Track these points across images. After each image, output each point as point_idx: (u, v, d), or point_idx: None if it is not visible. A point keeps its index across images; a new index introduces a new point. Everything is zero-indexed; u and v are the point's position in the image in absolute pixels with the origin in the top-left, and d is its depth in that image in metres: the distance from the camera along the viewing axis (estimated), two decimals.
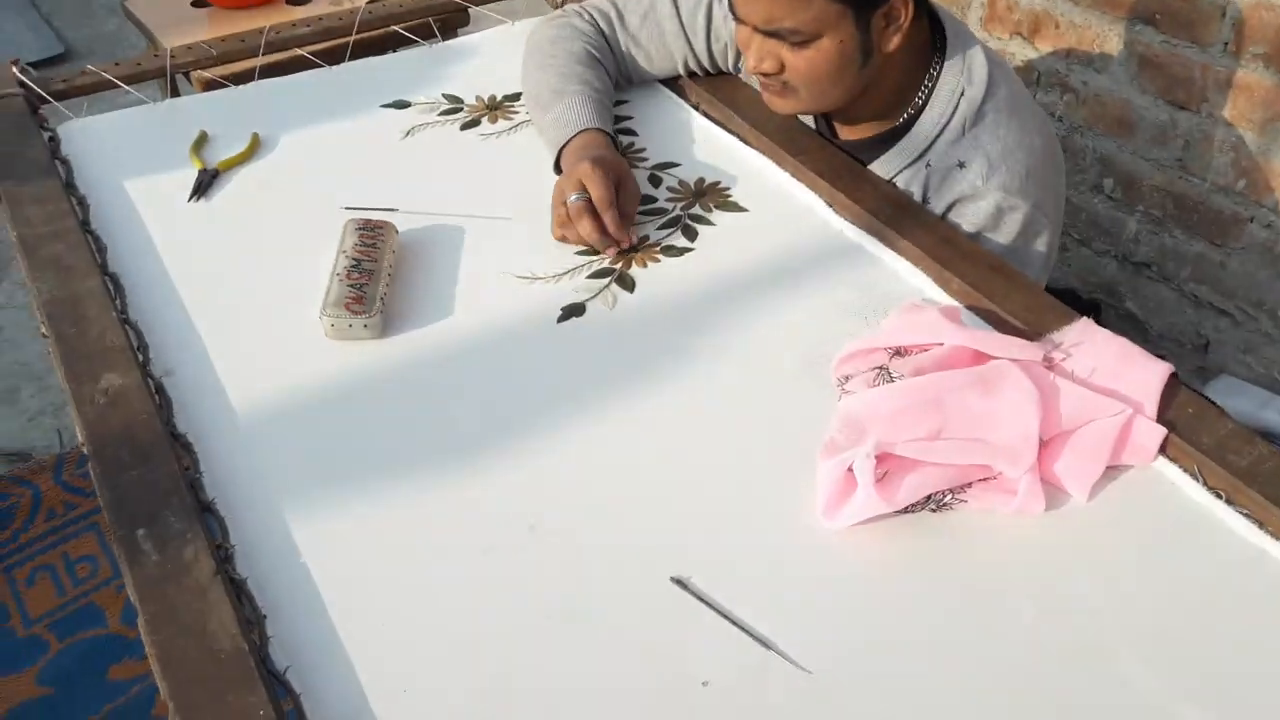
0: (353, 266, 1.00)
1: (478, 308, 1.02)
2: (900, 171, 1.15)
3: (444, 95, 1.34)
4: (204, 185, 1.17)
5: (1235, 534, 0.80)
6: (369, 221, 1.06)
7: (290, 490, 0.83)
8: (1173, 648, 0.72)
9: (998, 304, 0.98)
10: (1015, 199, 1.10)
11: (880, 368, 0.91)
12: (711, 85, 1.31)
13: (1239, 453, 0.84)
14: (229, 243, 1.10)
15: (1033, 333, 0.95)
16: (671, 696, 0.70)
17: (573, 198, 1.06)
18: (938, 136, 1.13)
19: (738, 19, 1.08)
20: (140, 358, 0.93)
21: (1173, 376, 0.89)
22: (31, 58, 3.02)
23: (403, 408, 0.91)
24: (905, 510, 0.82)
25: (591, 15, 1.30)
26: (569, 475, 0.85)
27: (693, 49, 1.29)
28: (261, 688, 0.67)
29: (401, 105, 1.32)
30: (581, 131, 1.15)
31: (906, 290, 1.03)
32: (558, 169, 1.16)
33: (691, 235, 1.11)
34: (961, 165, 1.11)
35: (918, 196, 1.14)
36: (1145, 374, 0.89)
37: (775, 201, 1.15)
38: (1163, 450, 0.86)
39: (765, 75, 1.09)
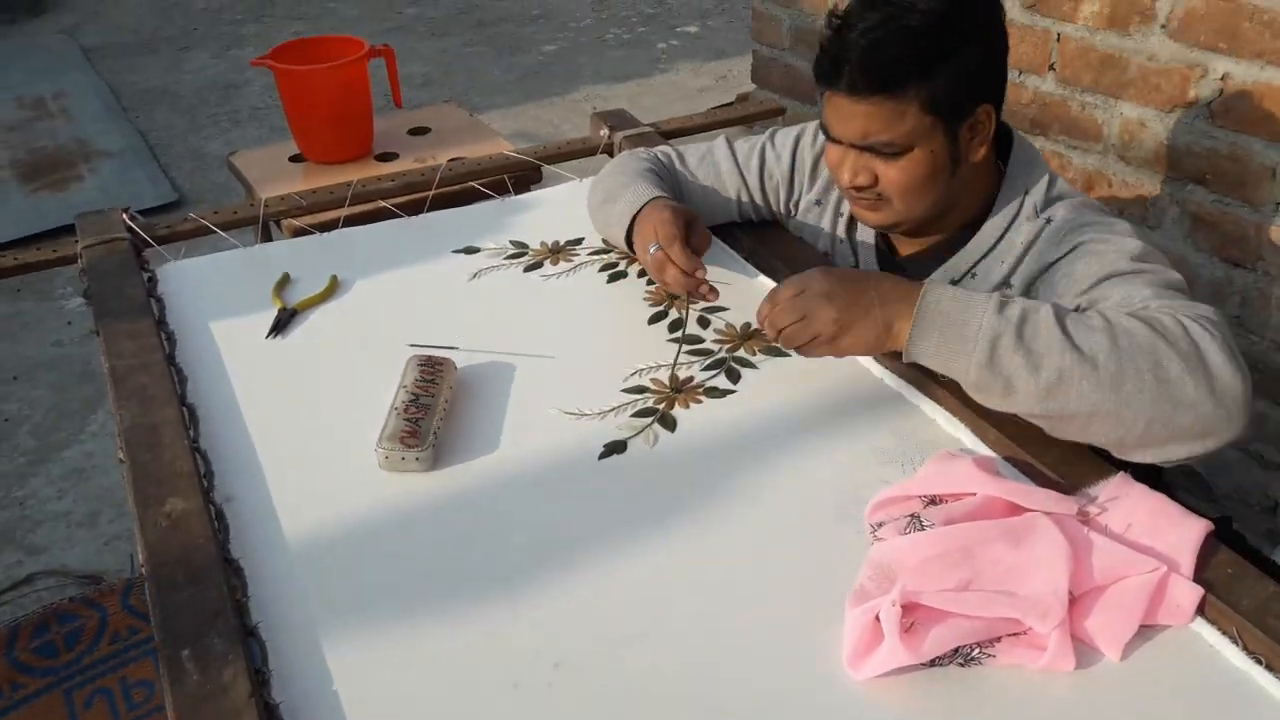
0: (411, 401, 1.06)
1: (525, 442, 1.06)
2: (954, 283, 1.17)
3: (511, 241, 1.43)
4: (282, 323, 1.26)
5: (1275, 701, 0.78)
6: (430, 358, 1.13)
7: (332, 617, 0.87)
8: None
9: (1034, 456, 0.99)
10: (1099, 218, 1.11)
11: (913, 516, 0.92)
12: (761, 235, 1.38)
13: None
14: (300, 377, 1.18)
15: (1069, 486, 0.95)
16: None
17: (651, 249, 1.17)
18: (992, 248, 1.16)
19: (831, 138, 1.13)
20: (205, 484, 0.99)
21: (1212, 534, 0.88)
22: (148, 204, 3.28)
23: (447, 540, 0.95)
24: (932, 663, 0.81)
25: (654, 152, 1.40)
26: (598, 612, 0.87)
27: (747, 185, 1.36)
28: None
29: (471, 251, 1.41)
30: (649, 201, 1.24)
31: (944, 439, 1.04)
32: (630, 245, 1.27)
33: (735, 378, 1.15)
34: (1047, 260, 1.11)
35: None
36: (1182, 531, 0.88)
37: None
38: (1200, 611, 0.84)
39: (858, 190, 1.14)
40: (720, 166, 1.37)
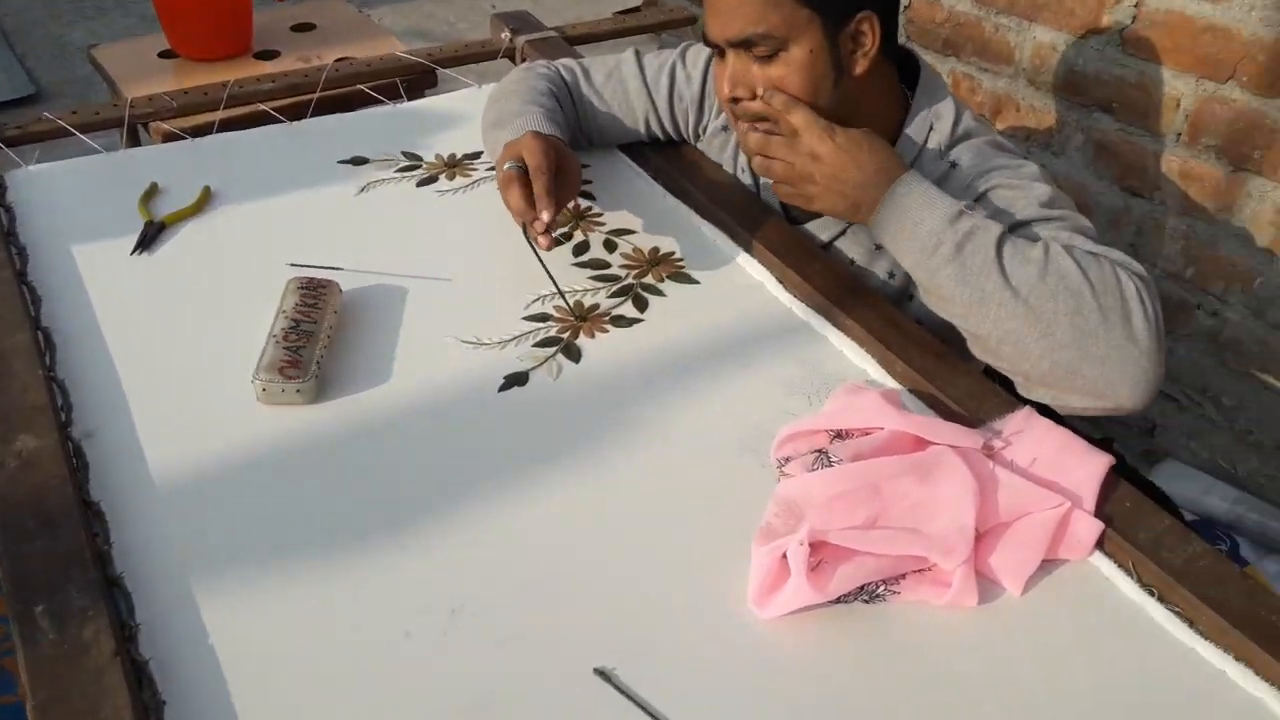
0: (291, 328, 0.99)
1: (418, 373, 1.00)
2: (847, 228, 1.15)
3: (403, 153, 1.34)
4: (149, 238, 1.15)
5: (1165, 632, 0.79)
6: (312, 280, 1.05)
7: (206, 565, 0.80)
8: None
9: (940, 389, 0.97)
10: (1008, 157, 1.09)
11: (820, 451, 0.90)
12: (671, 155, 1.32)
13: (1174, 550, 0.83)
14: (170, 299, 1.08)
15: (974, 419, 0.94)
16: None
17: (507, 165, 1.08)
18: None
19: (710, 43, 1.08)
20: (62, 418, 0.91)
21: (1112, 469, 0.89)
22: (1, 97, 3.02)
23: (331, 479, 0.89)
24: (837, 600, 0.80)
25: (556, 67, 1.31)
26: (496, 556, 0.83)
27: (655, 107, 1.29)
28: None
29: (359, 161, 1.32)
30: (532, 132, 1.14)
31: (851, 371, 1.02)
32: None
33: (642, 305, 1.10)
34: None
35: (878, 242, 1.11)
36: (1085, 466, 0.88)
37: (727, 275, 1.15)
38: (1099, 545, 0.85)
39: (736, 102, 1.08)
40: (628, 85, 1.29)
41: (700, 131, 1.31)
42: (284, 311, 1.01)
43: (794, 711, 0.73)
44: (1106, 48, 1.59)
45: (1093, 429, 1.85)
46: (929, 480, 0.86)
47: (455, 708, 0.72)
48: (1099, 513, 0.86)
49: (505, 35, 1.60)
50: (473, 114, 1.39)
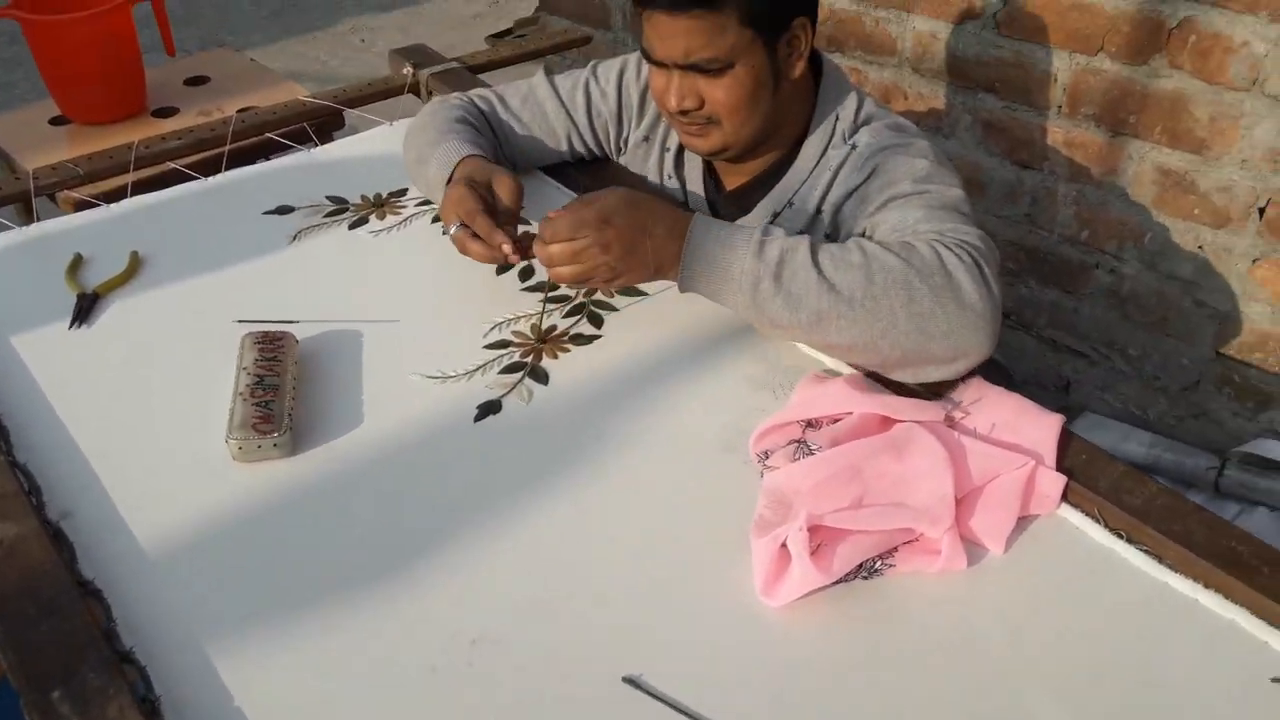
0: (256, 384, 0.97)
1: (390, 413, 1.00)
2: (778, 215, 1.20)
3: (328, 198, 1.33)
4: (84, 311, 1.12)
5: (1137, 570, 0.85)
6: (267, 334, 1.04)
7: (215, 629, 0.79)
8: (1083, 683, 0.76)
9: None
10: (906, 136, 1.15)
11: (798, 441, 0.94)
12: (595, 172, 1.34)
13: (1133, 493, 0.90)
14: (119, 370, 1.05)
15: (931, 394, 1.00)
16: None
17: (451, 230, 1.10)
18: (808, 177, 1.18)
19: (654, 61, 1.12)
20: (34, 501, 0.88)
21: (1065, 426, 0.95)
22: None
23: (323, 526, 0.88)
24: (839, 581, 0.84)
25: (469, 98, 1.32)
26: (504, 581, 0.84)
27: (575, 125, 1.32)
28: None
29: (285, 210, 1.31)
30: (460, 162, 1.16)
31: (809, 361, 1.07)
32: None
33: (598, 322, 1.12)
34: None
35: (800, 227, 1.18)
36: (1041, 426, 0.95)
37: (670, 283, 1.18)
38: (1065, 497, 0.91)
39: (685, 114, 1.13)
40: (545, 107, 1.31)
41: (622, 145, 1.34)
42: (245, 368, 1.00)
43: (814, 693, 0.76)
44: (983, 31, 1.69)
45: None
46: (904, 456, 0.91)
47: None
48: (1060, 467, 0.92)
49: (407, 70, 1.61)
50: (389, 151, 1.39)
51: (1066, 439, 0.95)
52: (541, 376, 1.05)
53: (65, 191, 1.35)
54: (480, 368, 1.06)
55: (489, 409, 1.00)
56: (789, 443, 0.94)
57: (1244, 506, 1.60)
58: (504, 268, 1.20)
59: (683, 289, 1.01)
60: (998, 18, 1.66)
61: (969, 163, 1.81)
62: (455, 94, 1.35)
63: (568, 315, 1.13)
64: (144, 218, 1.28)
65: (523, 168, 1.36)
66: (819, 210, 1.18)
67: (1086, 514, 0.90)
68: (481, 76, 1.61)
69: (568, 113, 1.32)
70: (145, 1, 1.86)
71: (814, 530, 0.84)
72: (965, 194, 1.09)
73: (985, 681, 0.77)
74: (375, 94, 1.59)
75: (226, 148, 1.42)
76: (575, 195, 1.34)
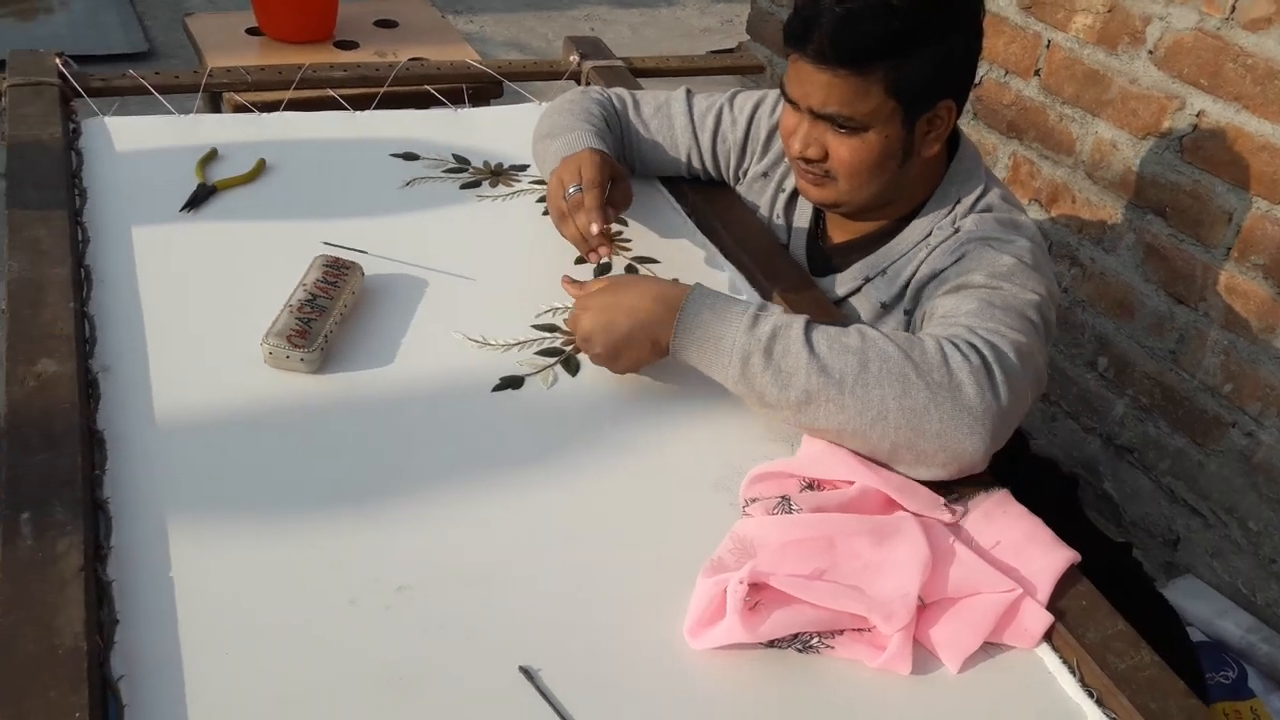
0: (307, 301, 1.03)
1: (420, 362, 1.04)
2: (869, 280, 1.17)
3: (454, 155, 1.39)
4: (200, 199, 1.21)
5: None
6: (337, 260, 1.10)
7: (185, 505, 0.85)
8: None
9: None
10: (1005, 231, 1.10)
11: (784, 497, 0.92)
12: (708, 194, 1.35)
13: (1122, 656, 0.83)
14: (207, 256, 1.14)
15: (950, 491, 0.95)
16: None
17: (571, 189, 1.11)
18: (909, 251, 1.15)
19: (790, 100, 1.11)
20: (86, 349, 0.96)
21: (1074, 566, 0.89)
22: (117, 50, 3.17)
23: (317, 447, 0.93)
24: (772, 644, 0.81)
25: (609, 94, 1.35)
26: (454, 544, 0.86)
27: (699, 145, 1.33)
28: (86, 690, 0.68)
29: (410, 157, 1.37)
30: (583, 152, 1.18)
31: None
32: None
33: None
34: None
35: (882, 300, 1.15)
36: (1047, 558, 0.88)
37: None
38: (1048, 638, 0.85)
39: (808, 162, 1.12)
40: (675, 121, 1.33)
41: (741, 174, 1.34)
42: (304, 284, 1.06)
43: None
44: (1165, 152, 1.59)
45: (1116, 532, 1.83)
46: (884, 544, 0.87)
47: (381, 679, 0.75)
48: (1052, 606, 0.86)
49: (574, 58, 1.65)
50: (526, 128, 1.43)
51: (1073, 579, 0.88)
52: (573, 368, 1.06)
53: (232, 94, 1.47)
54: (520, 344, 1.08)
55: (510, 383, 1.03)
56: (776, 496, 0.92)
57: None
58: (582, 260, 1.22)
59: (675, 357, 0.99)
60: (1184, 141, 1.56)
61: (1123, 283, 1.70)
62: (597, 87, 1.38)
63: None
64: (284, 131, 1.38)
65: (640, 173, 1.38)
66: (906, 285, 1.14)
67: (1064, 661, 0.84)
68: (641, 80, 1.64)
69: (694, 132, 1.33)
70: None
71: (758, 587, 0.81)
72: (1046, 300, 1.03)
73: None
74: (538, 73, 1.64)
75: (384, 89, 1.51)
76: (683, 212, 1.35)
